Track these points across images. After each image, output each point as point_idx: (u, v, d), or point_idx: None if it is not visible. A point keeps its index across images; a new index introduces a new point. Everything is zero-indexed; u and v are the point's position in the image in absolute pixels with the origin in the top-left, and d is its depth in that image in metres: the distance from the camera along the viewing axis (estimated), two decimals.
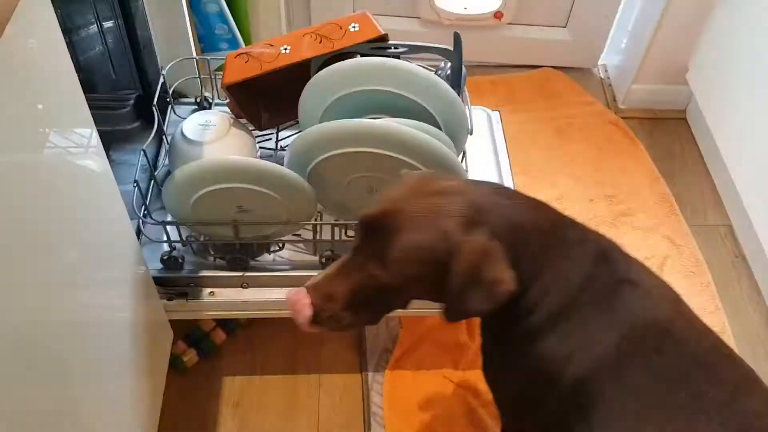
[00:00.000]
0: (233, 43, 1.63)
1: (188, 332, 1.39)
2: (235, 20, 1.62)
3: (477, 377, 1.38)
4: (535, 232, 0.83)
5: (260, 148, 1.30)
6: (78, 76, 0.83)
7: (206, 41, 1.64)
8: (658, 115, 1.97)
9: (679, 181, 1.81)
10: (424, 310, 1.22)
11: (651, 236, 1.65)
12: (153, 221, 1.13)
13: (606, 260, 0.83)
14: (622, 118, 1.94)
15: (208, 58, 1.34)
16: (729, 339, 1.47)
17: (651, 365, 0.78)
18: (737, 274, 1.62)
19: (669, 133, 1.93)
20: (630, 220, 1.69)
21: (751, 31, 1.55)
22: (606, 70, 2.10)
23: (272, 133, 1.33)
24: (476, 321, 1.43)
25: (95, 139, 0.89)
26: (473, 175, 1.26)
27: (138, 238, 1.19)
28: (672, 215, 1.71)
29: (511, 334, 0.86)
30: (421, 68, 1.08)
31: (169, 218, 1.13)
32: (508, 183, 1.35)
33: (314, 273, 1.15)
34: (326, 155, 1.01)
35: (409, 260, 0.80)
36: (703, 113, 1.78)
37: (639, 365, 0.79)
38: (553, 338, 0.82)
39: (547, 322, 0.82)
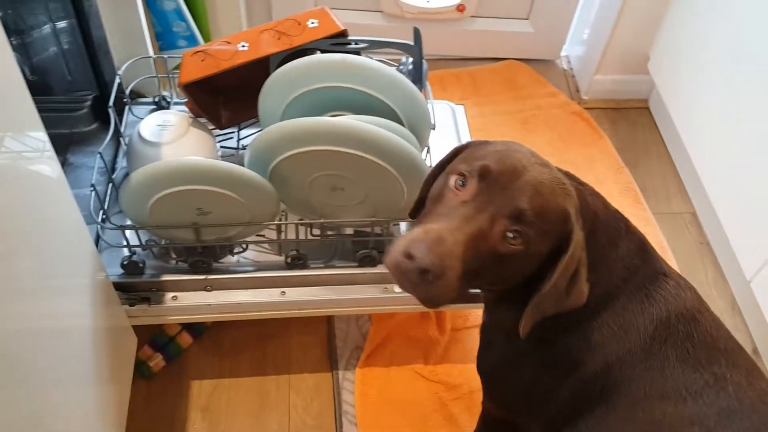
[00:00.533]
0: (192, 41, 1.60)
1: (153, 336, 1.36)
2: (193, 17, 1.59)
3: (448, 371, 1.38)
4: (602, 224, 0.83)
5: (221, 147, 1.28)
6: (32, 77, 0.80)
7: (164, 39, 1.61)
8: (620, 105, 1.99)
9: (643, 170, 1.82)
10: (393, 307, 1.23)
11: None
12: (111, 226, 1.10)
13: (645, 252, 0.86)
14: (585, 108, 1.96)
15: (165, 56, 1.31)
16: None
17: (684, 350, 0.82)
18: (702, 260, 1.64)
19: (632, 123, 1.95)
20: None
21: (710, 20, 1.57)
22: (569, 62, 2.11)
23: (233, 132, 1.31)
24: (446, 316, 1.43)
25: (46, 143, 0.86)
26: None
27: (97, 243, 1.16)
28: (636, 204, 1.73)
29: (550, 323, 0.82)
30: (381, 64, 1.06)
31: (128, 222, 1.11)
32: None
33: (280, 274, 1.17)
34: (287, 154, 1.00)
35: (543, 225, 0.74)
36: (664, 102, 1.80)
37: (672, 350, 0.82)
38: (591, 327, 0.83)
39: (589, 314, 0.83)
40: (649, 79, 1.90)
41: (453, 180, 0.77)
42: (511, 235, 0.73)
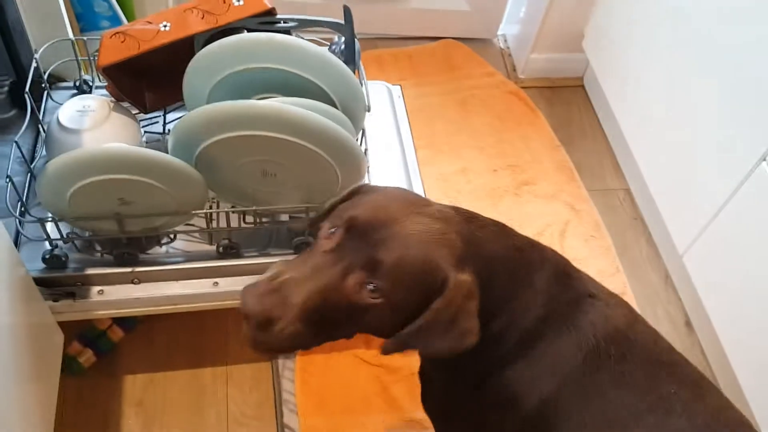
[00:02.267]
0: (115, 21, 1.53)
1: (83, 331, 1.31)
2: None
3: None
4: (504, 264, 0.79)
5: (146, 132, 1.23)
6: None
7: (85, 20, 1.53)
8: (556, 84, 2.00)
9: (578, 148, 1.84)
10: None
11: (552, 203, 1.68)
12: (30, 219, 1.04)
13: (566, 278, 0.83)
14: (522, 87, 1.96)
15: (85, 38, 1.25)
16: (630, 300, 1.51)
17: (619, 374, 0.78)
18: (636, 236, 1.67)
19: (567, 102, 1.96)
20: (532, 188, 1.71)
21: None
22: (505, 41, 2.11)
23: (159, 116, 1.26)
24: None
25: None
26: (374, 153, 1.23)
27: (17, 237, 1.11)
28: (572, 182, 1.74)
29: (471, 364, 0.82)
30: (311, 44, 1.03)
31: (49, 215, 1.05)
32: (411, 159, 1.33)
33: (212, 264, 1.13)
34: (213, 140, 0.96)
35: (403, 278, 0.71)
36: (599, 80, 1.82)
37: (607, 375, 0.78)
38: (520, 365, 0.80)
39: (513, 351, 0.80)
40: (583, 58, 1.92)
41: (325, 228, 0.76)
42: (370, 287, 0.71)
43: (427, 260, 0.72)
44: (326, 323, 0.73)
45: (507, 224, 0.84)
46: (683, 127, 1.43)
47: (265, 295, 0.71)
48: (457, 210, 0.81)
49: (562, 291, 0.81)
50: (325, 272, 0.72)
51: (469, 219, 0.80)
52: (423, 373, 0.95)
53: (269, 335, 0.71)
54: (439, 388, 0.91)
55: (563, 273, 0.83)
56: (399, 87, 1.48)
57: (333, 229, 0.75)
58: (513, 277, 0.79)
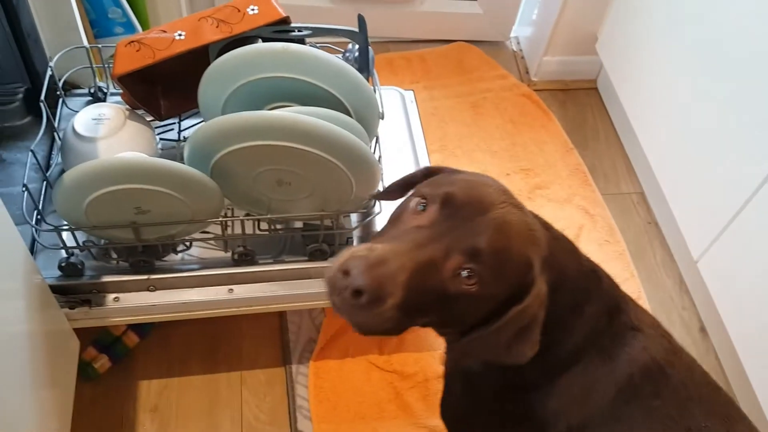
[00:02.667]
0: (129, 27, 1.54)
1: (98, 337, 1.31)
2: (129, 2, 1.53)
3: (402, 360, 1.37)
4: (570, 283, 0.76)
5: (161, 139, 1.23)
6: None
7: (99, 26, 1.54)
8: (569, 86, 1.99)
9: (592, 151, 1.83)
10: None
11: (566, 207, 1.67)
12: (46, 227, 1.05)
13: (615, 312, 0.80)
14: (534, 90, 1.95)
15: (100, 46, 1.25)
16: (644, 304, 1.50)
17: (649, 408, 0.77)
18: (650, 240, 1.66)
19: (581, 104, 1.95)
20: (545, 192, 1.70)
21: (656, 1, 1.57)
22: (518, 43, 2.10)
23: (174, 123, 1.26)
24: None
25: None
26: (387, 159, 1.23)
27: (33, 245, 1.11)
28: (585, 185, 1.74)
29: (502, 379, 0.80)
30: (325, 53, 1.03)
31: (64, 222, 1.06)
32: (425, 163, 1.33)
33: (227, 271, 1.13)
34: (229, 149, 0.96)
35: (500, 269, 0.67)
36: (612, 83, 1.81)
37: (638, 410, 0.77)
38: (549, 391, 0.78)
39: (546, 375, 0.78)
40: (597, 60, 1.91)
41: (414, 203, 0.71)
42: (464, 273, 0.67)
43: (523, 257, 0.69)
44: (419, 306, 0.67)
45: None
46: (698, 130, 1.42)
47: (374, 268, 0.63)
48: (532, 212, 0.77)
49: (608, 326, 0.78)
50: (425, 249, 0.67)
51: (545, 224, 0.76)
52: (447, 379, 0.92)
53: (374, 313, 0.64)
54: (463, 396, 0.88)
55: (614, 307, 0.80)
56: (412, 92, 1.48)
57: (423, 205, 0.71)
58: (570, 300, 0.76)
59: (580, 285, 0.77)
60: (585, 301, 0.77)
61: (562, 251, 0.76)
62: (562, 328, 0.76)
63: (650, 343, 0.79)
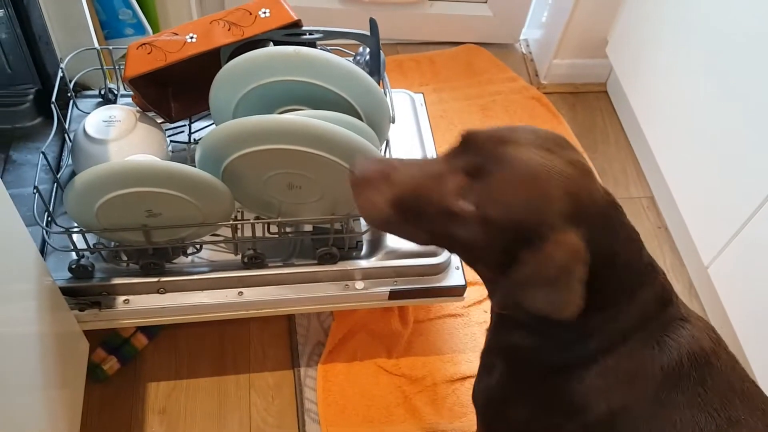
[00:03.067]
0: (139, 29, 1.54)
1: (107, 338, 1.32)
2: (140, 4, 1.53)
3: (411, 364, 1.37)
4: (624, 263, 0.75)
5: (172, 141, 1.24)
6: None
7: (110, 27, 1.55)
8: (579, 90, 1.98)
9: (602, 155, 1.83)
10: (356, 304, 1.20)
11: None
12: (57, 229, 1.05)
13: (666, 302, 0.80)
14: (544, 93, 1.95)
15: (111, 48, 1.25)
16: None
17: (695, 394, 0.77)
18: (660, 245, 1.65)
19: (590, 107, 1.95)
20: None
21: (667, 4, 1.57)
22: (528, 45, 2.10)
23: (184, 125, 1.26)
24: (409, 308, 1.42)
25: None
26: None
27: (43, 246, 1.12)
28: None
29: (545, 356, 0.80)
30: (337, 56, 1.03)
31: (75, 224, 1.06)
32: None
33: (237, 274, 1.13)
34: (240, 153, 0.96)
35: (503, 197, 0.66)
36: (622, 86, 1.80)
37: (683, 396, 0.77)
38: (594, 372, 0.78)
39: (592, 356, 0.78)
40: (607, 63, 1.90)
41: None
42: (465, 191, 0.68)
43: (538, 193, 0.66)
44: (418, 216, 0.71)
45: None
46: (709, 134, 1.41)
47: (383, 163, 0.72)
48: (606, 190, 0.74)
49: (658, 313, 0.79)
50: (429, 168, 0.71)
51: (610, 197, 0.74)
52: (486, 357, 0.91)
53: (373, 199, 0.71)
54: (496, 378, 0.87)
55: (666, 299, 0.80)
56: (422, 95, 1.47)
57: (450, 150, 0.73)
58: (623, 280, 0.75)
59: (635, 269, 0.76)
60: (637, 286, 0.77)
61: (621, 227, 0.74)
62: (614, 310, 0.76)
63: (698, 333, 0.80)
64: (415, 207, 0.70)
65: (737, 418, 0.78)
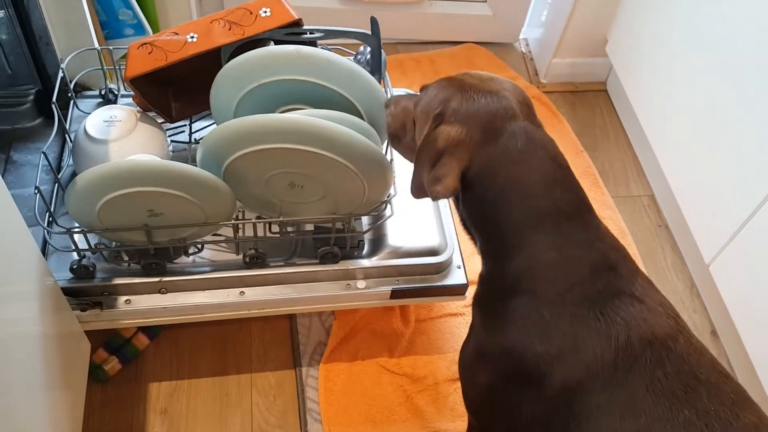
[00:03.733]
0: (139, 29, 1.54)
1: (108, 339, 1.31)
2: (140, 4, 1.53)
3: (413, 363, 1.37)
4: (525, 199, 0.81)
5: (172, 141, 1.23)
6: None
7: (110, 27, 1.54)
8: (579, 89, 1.98)
9: (602, 153, 1.83)
10: (357, 303, 1.20)
11: None
12: (58, 230, 1.05)
13: (608, 270, 0.80)
14: (544, 92, 1.95)
15: (111, 48, 1.25)
16: None
17: (653, 380, 0.76)
18: (661, 244, 1.65)
19: (590, 106, 1.95)
20: None
21: (666, 3, 1.57)
22: (527, 45, 2.10)
23: (185, 125, 1.26)
24: (410, 308, 1.42)
25: None
26: (399, 162, 1.22)
27: (44, 247, 1.11)
28: (596, 188, 1.73)
29: (494, 309, 0.85)
30: (338, 55, 1.03)
31: (76, 225, 1.06)
32: None
33: (238, 273, 1.13)
34: (242, 152, 0.96)
35: (423, 101, 0.90)
36: (622, 85, 1.80)
37: (641, 379, 0.76)
38: (537, 329, 0.80)
39: (530, 306, 0.81)
40: (607, 62, 1.90)
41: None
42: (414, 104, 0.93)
43: (444, 95, 0.86)
44: (402, 125, 0.96)
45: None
46: (710, 133, 1.41)
47: (396, 99, 0.98)
48: (541, 131, 0.85)
49: (595, 279, 0.79)
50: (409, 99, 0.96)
51: (535, 132, 0.84)
52: (471, 323, 0.95)
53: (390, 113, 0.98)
54: (473, 328, 0.93)
55: (606, 265, 0.80)
56: None
57: None
58: (531, 215, 0.81)
59: (549, 213, 0.81)
60: (584, 244, 0.80)
61: (522, 154, 0.81)
62: (533, 259, 0.81)
63: (653, 317, 0.79)
64: (402, 121, 0.96)
65: (705, 409, 0.75)
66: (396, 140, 0.98)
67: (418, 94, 0.94)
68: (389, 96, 1.07)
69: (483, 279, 0.89)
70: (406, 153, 0.98)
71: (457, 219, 0.94)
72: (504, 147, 0.81)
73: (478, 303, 0.91)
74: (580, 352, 0.78)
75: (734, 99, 1.33)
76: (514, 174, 0.81)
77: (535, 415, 0.81)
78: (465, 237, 0.94)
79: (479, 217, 0.85)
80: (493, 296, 0.86)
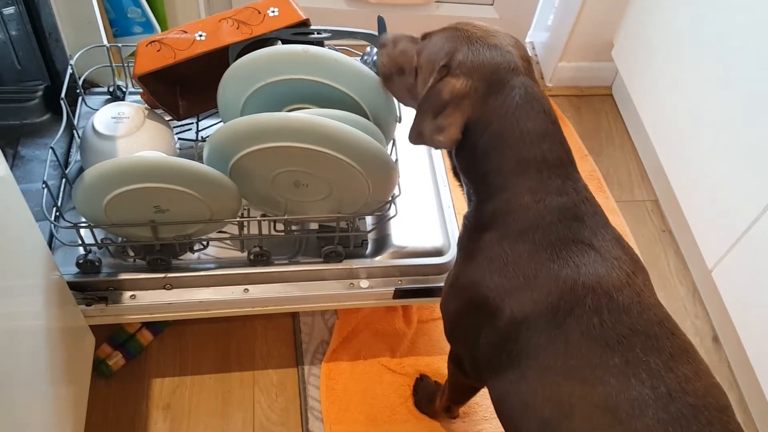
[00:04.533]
0: (148, 27, 1.55)
1: (112, 334, 1.32)
2: (148, 1, 1.54)
3: (414, 364, 1.37)
4: (516, 146, 0.84)
5: (179, 139, 1.24)
6: None
7: (119, 25, 1.56)
8: (584, 92, 1.99)
9: (606, 158, 1.83)
10: (360, 303, 1.21)
11: None
12: (65, 224, 1.06)
13: (574, 219, 0.83)
14: (549, 95, 1.94)
15: (120, 45, 1.26)
16: None
17: (588, 326, 0.79)
18: (664, 248, 1.65)
19: (596, 110, 1.95)
20: None
21: (673, 8, 1.57)
22: (533, 48, 2.10)
23: (192, 123, 1.27)
24: (412, 308, 1.42)
25: None
26: (404, 162, 1.23)
27: (51, 241, 1.12)
28: (600, 192, 1.73)
29: (469, 244, 0.90)
30: (345, 56, 1.04)
31: (83, 220, 1.07)
32: (440, 169, 1.33)
33: (243, 271, 1.14)
34: (248, 150, 0.96)
35: (427, 49, 0.91)
36: (628, 90, 1.81)
37: (576, 323, 0.79)
38: (497, 262, 0.85)
39: (495, 241, 0.86)
40: (612, 66, 1.91)
41: None
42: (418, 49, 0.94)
43: (449, 46, 0.87)
44: (401, 71, 0.97)
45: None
46: (714, 138, 1.41)
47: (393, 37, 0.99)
48: (538, 87, 0.86)
49: (560, 223, 0.83)
50: (408, 42, 0.97)
51: (532, 88, 0.85)
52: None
53: (384, 54, 0.99)
54: (454, 265, 0.97)
55: (574, 214, 0.84)
56: None
57: None
58: (519, 159, 0.84)
59: (533, 158, 0.84)
60: (540, 177, 0.84)
61: (520, 107, 0.84)
62: (511, 201, 0.85)
63: (603, 267, 0.81)
64: (399, 63, 0.97)
65: (635, 358, 0.77)
66: (388, 80, 1.00)
67: (417, 37, 0.95)
68: (398, 109, 1.10)
69: (465, 219, 0.94)
70: (399, 94, 1.00)
71: (449, 167, 0.99)
72: (504, 99, 0.84)
73: (459, 242, 0.96)
74: (530, 289, 0.82)
75: (739, 105, 1.33)
76: (509, 124, 0.84)
77: (491, 342, 0.87)
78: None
79: (471, 162, 0.88)
80: (470, 233, 0.91)
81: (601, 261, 0.81)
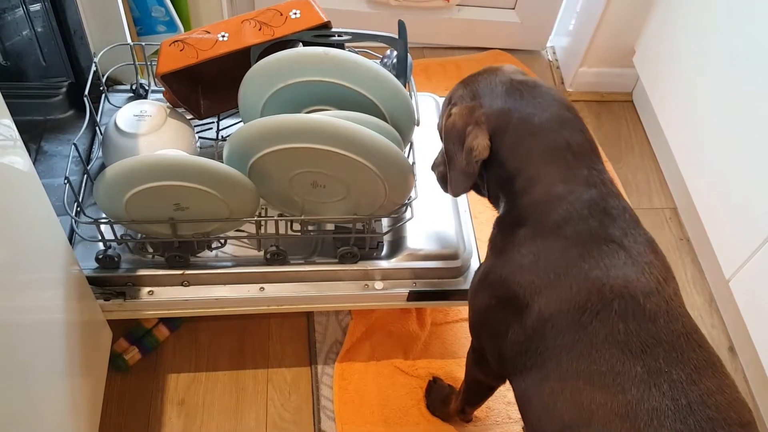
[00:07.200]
0: (171, 26, 1.57)
1: (129, 329, 1.34)
2: (172, 1, 1.56)
3: (427, 366, 1.38)
4: (542, 139, 0.87)
5: (200, 138, 1.25)
6: (5, 63, 0.77)
7: (143, 24, 1.57)
8: (605, 98, 1.98)
9: (626, 164, 1.82)
10: (374, 304, 1.22)
11: None
12: (85, 219, 1.07)
13: (603, 213, 0.84)
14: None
15: (143, 44, 1.28)
16: None
17: (613, 331, 0.78)
18: (681, 256, 1.64)
19: (616, 116, 1.94)
20: None
21: (696, 16, 1.56)
22: (554, 53, 2.10)
23: (213, 122, 1.28)
24: (426, 311, 1.43)
25: (13, 132, 0.83)
26: (421, 165, 1.24)
27: (71, 236, 1.14)
28: None
29: (502, 240, 0.91)
30: (364, 58, 1.04)
31: (103, 215, 1.08)
32: None
33: (259, 269, 1.15)
34: (267, 151, 0.97)
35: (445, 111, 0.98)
36: (648, 97, 1.79)
37: (601, 326, 0.79)
38: (529, 259, 0.85)
39: (529, 236, 0.86)
40: (633, 73, 1.90)
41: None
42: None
43: (451, 93, 0.98)
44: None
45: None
46: (735, 147, 1.40)
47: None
48: (541, 81, 0.94)
49: (594, 222, 0.83)
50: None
51: (522, 85, 0.92)
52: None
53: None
54: (480, 271, 0.98)
55: (607, 211, 0.84)
56: None
57: None
58: (540, 157, 0.87)
59: (563, 157, 0.86)
60: (562, 176, 0.86)
61: (525, 110, 0.89)
62: (541, 191, 0.87)
63: (633, 271, 0.81)
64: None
65: (658, 368, 0.76)
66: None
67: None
68: (416, 112, 1.12)
69: (498, 220, 0.95)
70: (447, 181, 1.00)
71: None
72: (514, 101, 0.89)
73: (490, 240, 0.96)
74: (559, 288, 0.82)
75: (762, 114, 1.32)
76: (526, 116, 0.88)
77: (518, 340, 0.86)
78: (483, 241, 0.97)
79: (500, 167, 0.91)
80: (504, 231, 0.92)
81: (632, 264, 0.81)
